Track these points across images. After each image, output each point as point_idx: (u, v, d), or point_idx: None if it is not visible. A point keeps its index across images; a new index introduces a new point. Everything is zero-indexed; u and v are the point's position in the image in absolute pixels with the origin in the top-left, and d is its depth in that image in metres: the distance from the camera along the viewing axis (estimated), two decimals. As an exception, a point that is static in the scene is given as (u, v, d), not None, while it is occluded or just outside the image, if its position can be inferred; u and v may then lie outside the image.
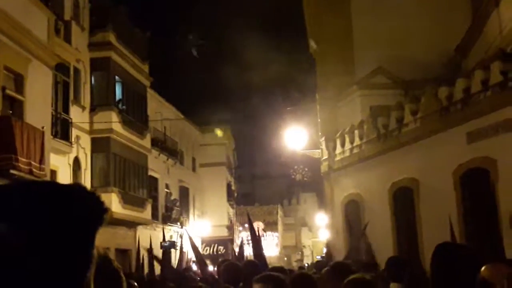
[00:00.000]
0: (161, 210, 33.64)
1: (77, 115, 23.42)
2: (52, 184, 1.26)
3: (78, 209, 1.21)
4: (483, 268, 3.06)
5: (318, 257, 40.70)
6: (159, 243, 23.42)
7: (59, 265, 1.16)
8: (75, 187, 1.27)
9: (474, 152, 14.66)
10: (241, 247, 11.71)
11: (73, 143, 22.71)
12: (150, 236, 20.00)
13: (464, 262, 3.27)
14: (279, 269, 6.21)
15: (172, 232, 33.53)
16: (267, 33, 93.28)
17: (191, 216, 40.46)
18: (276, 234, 62.38)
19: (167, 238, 31.79)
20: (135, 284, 4.53)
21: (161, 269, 12.06)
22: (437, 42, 21.51)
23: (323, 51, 24.66)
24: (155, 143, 32.07)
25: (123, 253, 26.01)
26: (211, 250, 42.23)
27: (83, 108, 24.54)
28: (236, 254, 10.91)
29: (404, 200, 17.65)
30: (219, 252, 41.48)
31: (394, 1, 22.70)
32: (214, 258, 32.68)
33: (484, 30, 19.33)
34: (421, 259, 14.20)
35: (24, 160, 15.87)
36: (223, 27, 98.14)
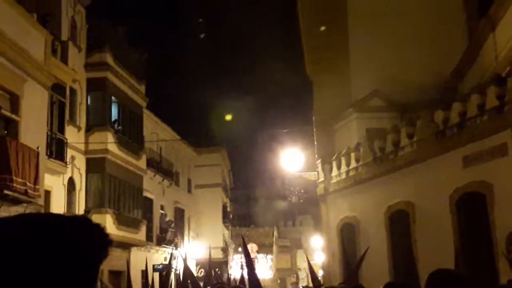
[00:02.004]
0: (155, 231, 33.46)
1: (73, 135, 23.36)
2: (58, 217, 1.23)
3: (84, 241, 1.18)
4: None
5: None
6: (152, 265, 23.26)
7: None
8: (81, 220, 1.24)
9: (470, 176, 14.64)
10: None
11: (68, 163, 22.62)
12: (146, 258, 19.84)
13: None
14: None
15: (166, 254, 33.32)
16: (264, 55, 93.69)
17: (186, 237, 40.26)
18: (270, 256, 62.03)
19: (161, 260, 31.65)
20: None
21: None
22: (433, 66, 21.59)
23: (320, 73, 24.74)
24: (150, 164, 31.99)
25: (117, 275, 25.77)
26: (202, 272, 41.95)
27: (79, 128, 24.49)
28: (231, 277, 10.79)
29: (400, 223, 17.57)
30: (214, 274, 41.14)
31: (391, 24, 22.81)
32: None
33: (480, 54, 19.41)
34: (419, 283, 14.09)
35: (19, 180, 15.79)
36: (220, 48, 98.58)
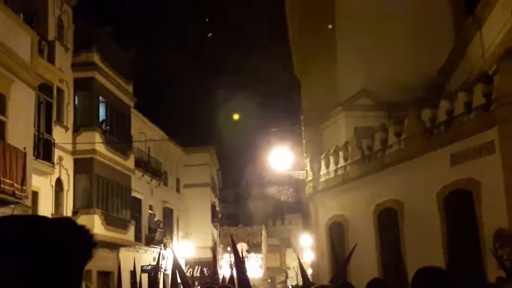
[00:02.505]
0: (144, 231, 33.38)
1: (60, 136, 23.25)
2: (42, 219, 1.23)
3: (67, 243, 1.18)
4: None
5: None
6: (141, 266, 23.20)
7: None
8: (65, 222, 1.24)
9: (457, 174, 14.71)
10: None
11: (56, 164, 22.51)
12: (134, 259, 19.77)
13: (444, 287, 3.25)
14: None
15: (155, 254, 33.25)
16: (252, 54, 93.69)
17: (174, 237, 40.19)
18: (260, 255, 62.05)
19: (150, 261, 31.56)
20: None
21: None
22: (420, 64, 21.68)
23: (308, 73, 24.77)
24: (139, 163, 31.90)
25: (105, 275, 25.70)
26: (195, 272, 41.90)
27: (66, 128, 24.37)
28: (220, 276, 10.76)
29: (388, 221, 17.63)
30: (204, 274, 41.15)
31: (378, 23, 22.89)
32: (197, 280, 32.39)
33: (467, 52, 19.52)
34: (407, 281, 14.14)
35: (6, 181, 15.70)
36: (209, 46, 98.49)
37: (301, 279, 7.74)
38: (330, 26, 23.67)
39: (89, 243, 1.24)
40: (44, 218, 1.24)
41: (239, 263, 7.37)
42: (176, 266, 7.69)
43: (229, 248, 40.38)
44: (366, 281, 5.89)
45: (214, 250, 42.45)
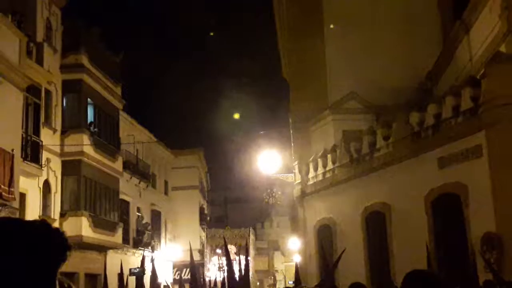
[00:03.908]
0: (132, 234, 33.29)
1: (48, 138, 23.16)
2: (16, 221, 1.23)
3: (41, 246, 1.18)
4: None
5: (291, 282, 40.48)
6: (129, 269, 23.12)
7: None
8: (39, 224, 1.24)
9: (445, 177, 14.78)
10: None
11: (44, 166, 22.42)
12: (121, 261, 19.71)
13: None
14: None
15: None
16: (241, 56, 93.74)
17: (162, 240, 40.10)
18: (248, 258, 61.88)
19: (138, 263, 31.44)
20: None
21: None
22: (408, 68, 21.78)
23: (296, 76, 24.81)
24: (127, 166, 31.82)
25: (92, 278, 25.60)
26: (183, 274, 41.80)
27: (54, 130, 24.27)
28: (207, 279, 10.75)
29: (376, 224, 17.68)
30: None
31: (367, 27, 22.97)
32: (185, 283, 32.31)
33: (455, 57, 19.63)
34: (395, 284, 14.18)
35: (-7, 183, 15.63)
36: (196, 49, 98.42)
37: (295, 279, 7.79)
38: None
39: (63, 245, 1.24)
40: (17, 220, 1.25)
41: (230, 265, 7.38)
42: (153, 277, 7.70)
43: (218, 251, 40.23)
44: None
45: (201, 251, 42.36)
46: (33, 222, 1.27)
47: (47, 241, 1.22)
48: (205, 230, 50.86)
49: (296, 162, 22.67)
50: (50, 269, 1.20)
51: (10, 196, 16.59)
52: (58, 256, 1.22)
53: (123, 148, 31.01)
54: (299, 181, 22.12)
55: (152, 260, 7.48)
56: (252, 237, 68.80)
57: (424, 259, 8.48)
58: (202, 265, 43.00)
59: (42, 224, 1.26)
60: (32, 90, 21.08)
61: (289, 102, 26.09)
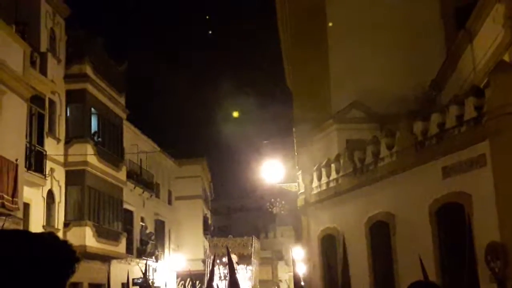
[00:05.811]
0: (136, 244, 33.25)
1: (52, 148, 23.19)
2: (24, 234, 1.22)
3: (50, 259, 1.17)
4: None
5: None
6: (132, 279, 23.06)
7: None
8: (47, 237, 1.24)
9: (449, 187, 14.72)
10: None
11: (47, 175, 22.44)
12: (128, 271, 19.69)
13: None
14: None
15: (147, 266, 33.11)
16: (244, 66, 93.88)
17: (166, 250, 40.04)
18: (249, 267, 61.77)
19: (141, 273, 31.42)
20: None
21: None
22: (412, 77, 21.77)
23: (300, 84, 24.83)
24: (130, 175, 31.83)
25: (96, 287, 25.56)
26: (187, 284, 41.72)
27: (58, 140, 24.32)
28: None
29: (380, 234, 17.61)
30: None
31: (370, 36, 22.99)
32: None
33: (458, 66, 19.62)
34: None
35: (-4, 193, 15.63)
36: (199, 58, 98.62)
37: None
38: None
39: (71, 257, 1.24)
40: (25, 233, 1.24)
41: (233, 274, 7.37)
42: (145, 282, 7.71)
43: (219, 260, 40.09)
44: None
45: (213, 259, 42.28)
46: (41, 234, 1.27)
47: (56, 254, 1.22)
48: (208, 239, 50.87)
49: (299, 172, 22.64)
50: (58, 282, 1.20)
51: (13, 206, 16.60)
52: (67, 268, 1.22)
53: (127, 157, 31.02)
54: (303, 190, 22.08)
55: (144, 272, 7.47)
56: (256, 246, 68.67)
57: (428, 269, 8.45)
58: (205, 275, 42.93)
59: (50, 237, 1.26)
60: (36, 100, 21.14)
61: (292, 111, 26.09)
